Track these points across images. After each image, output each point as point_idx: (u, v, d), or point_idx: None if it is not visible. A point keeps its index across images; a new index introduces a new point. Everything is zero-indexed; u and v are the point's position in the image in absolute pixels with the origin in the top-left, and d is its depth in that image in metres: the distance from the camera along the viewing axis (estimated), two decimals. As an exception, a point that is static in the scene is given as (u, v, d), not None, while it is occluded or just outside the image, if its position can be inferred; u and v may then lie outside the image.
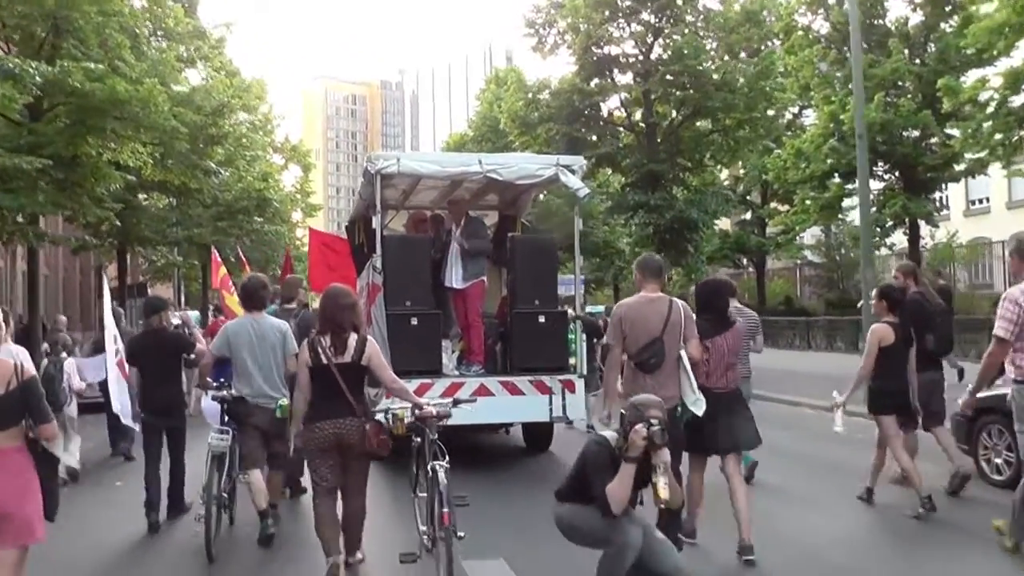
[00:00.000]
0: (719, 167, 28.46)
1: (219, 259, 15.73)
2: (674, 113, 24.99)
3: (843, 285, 31.93)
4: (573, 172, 8.70)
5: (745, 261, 35.27)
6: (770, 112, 25.75)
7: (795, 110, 30.48)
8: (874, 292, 7.05)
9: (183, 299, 39.69)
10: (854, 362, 7.97)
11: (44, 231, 17.42)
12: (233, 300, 15.24)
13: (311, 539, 6.13)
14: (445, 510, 4.60)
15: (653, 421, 4.10)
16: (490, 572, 5.33)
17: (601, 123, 26.10)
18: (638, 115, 25.57)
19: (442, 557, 4.70)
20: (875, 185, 23.59)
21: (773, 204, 33.15)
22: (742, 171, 32.80)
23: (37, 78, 13.24)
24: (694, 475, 5.66)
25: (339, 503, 5.26)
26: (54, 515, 3.95)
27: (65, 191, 16.23)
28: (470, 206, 9.83)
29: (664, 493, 4.11)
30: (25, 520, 3.75)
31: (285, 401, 6.16)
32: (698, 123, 24.79)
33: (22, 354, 5.47)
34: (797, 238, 31.73)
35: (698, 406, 5.13)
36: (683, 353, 5.21)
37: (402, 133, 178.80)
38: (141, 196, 26.15)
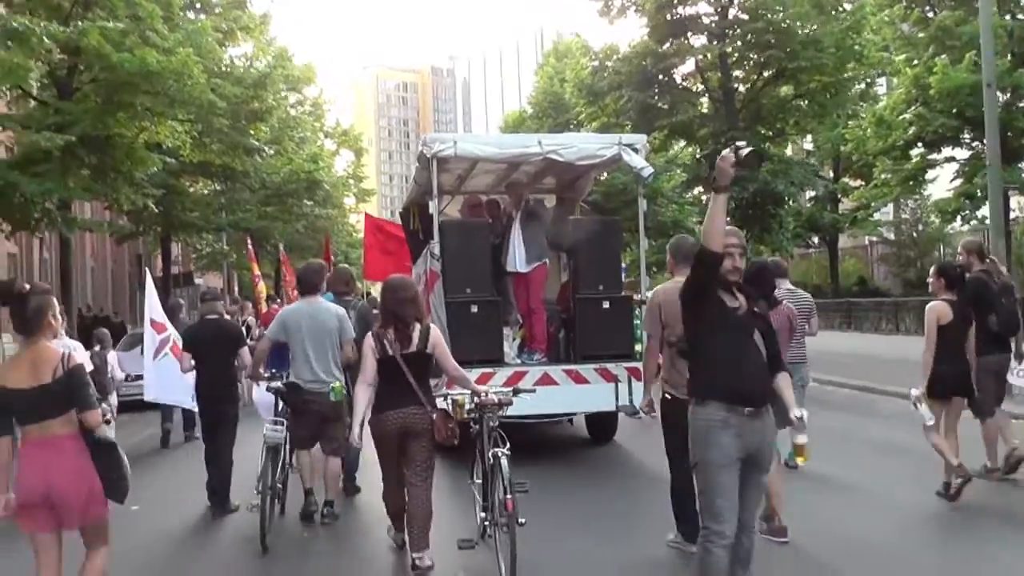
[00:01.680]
0: (801, 136, 27.71)
1: (253, 254, 16.34)
2: (754, 77, 24.29)
3: (921, 263, 31.19)
4: (636, 151, 8.75)
5: (817, 240, 34.65)
6: (860, 73, 24.68)
7: (867, 79, 29.58)
8: (932, 269, 7.03)
9: (237, 288, 40.47)
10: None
11: (74, 217, 16.95)
12: (260, 290, 15.90)
13: (363, 531, 6.54)
14: (508, 496, 4.82)
15: (740, 144, 3.99)
16: (550, 559, 5.51)
17: (676, 90, 25.33)
18: (715, 80, 24.84)
19: (504, 544, 4.95)
20: (961, 154, 22.96)
21: (845, 179, 32.44)
22: (808, 144, 32.12)
23: (45, 39, 12.64)
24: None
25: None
26: (123, 498, 4.20)
27: (99, 175, 15.80)
28: (528, 190, 9.97)
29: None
30: (81, 502, 4.03)
31: (339, 384, 6.46)
32: (780, 88, 24.02)
33: (79, 350, 5.81)
34: (876, 214, 31.06)
35: None
36: None
37: (454, 120, 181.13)
38: (184, 181, 25.96)
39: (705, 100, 25.33)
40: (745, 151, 3.86)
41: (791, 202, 24.53)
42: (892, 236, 34.21)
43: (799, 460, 4.84)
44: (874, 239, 35.20)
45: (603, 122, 25.53)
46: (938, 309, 6.62)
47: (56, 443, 4.02)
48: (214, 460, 7.14)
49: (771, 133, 24.51)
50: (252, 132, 22.46)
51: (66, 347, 4.79)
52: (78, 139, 14.04)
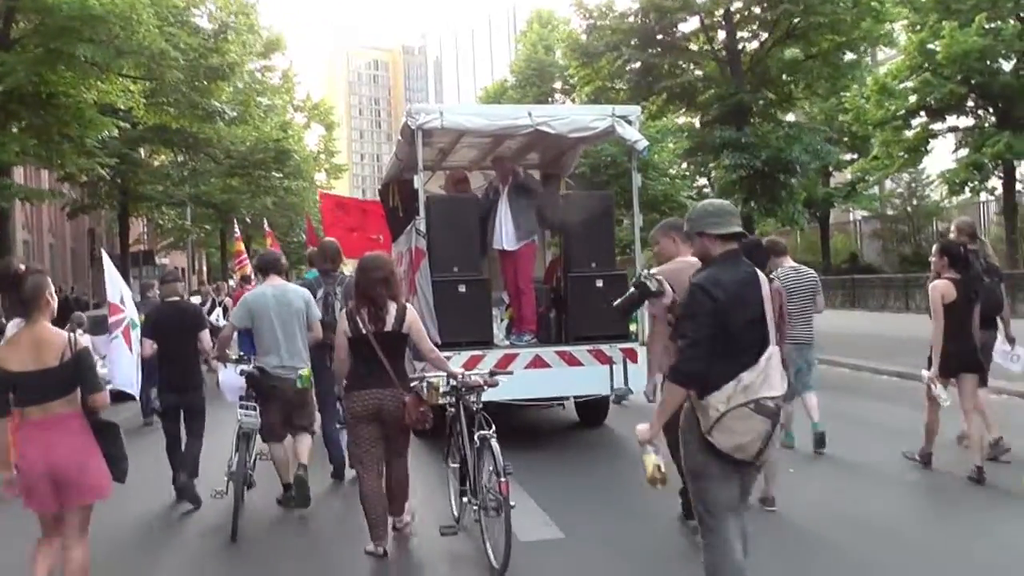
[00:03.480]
0: (811, 100, 26.81)
1: (239, 233, 16.37)
2: (762, 36, 23.75)
3: (916, 239, 31.45)
4: (630, 123, 8.84)
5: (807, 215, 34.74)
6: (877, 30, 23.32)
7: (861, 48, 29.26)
8: (934, 247, 7.31)
9: (206, 270, 40.22)
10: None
11: (8, 183, 15.79)
12: (244, 269, 15.98)
13: (339, 519, 6.66)
14: (502, 480, 4.95)
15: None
16: (543, 541, 5.70)
17: (677, 50, 24.81)
18: (720, 40, 24.34)
19: (492, 529, 5.12)
20: (965, 122, 23.15)
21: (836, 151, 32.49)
22: (799, 116, 32.04)
23: None
24: None
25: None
26: (124, 477, 4.43)
27: (39, 137, 14.97)
28: (517, 163, 10.01)
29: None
30: (86, 479, 4.24)
31: (306, 371, 6.64)
32: (787, 50, 23.48)
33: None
34: (872, 188, 31.12)
35: None
36: None
37: (426, 98, 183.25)
38: (143, 151, 25.40)
39: (711, 61, 24.71)
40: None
41: (807, 172, 24.03)
42: (888, 211, 34.40)
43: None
44: (866, 214, 35.35)
45: (597, 86, 25.20)
46: (942, 288, 6.88)
47: (58, 422, 4.20)
48: (177, 453, 7.18)
49: (775, 97, 24.12)
50: (213, 92, 21.30)
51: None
52: (11, 93, 13.34)
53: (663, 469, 3.73)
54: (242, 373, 6.76)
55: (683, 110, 26.50)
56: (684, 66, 24.63)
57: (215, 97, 21.71)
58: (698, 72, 24.61)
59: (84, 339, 4.43)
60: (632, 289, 4.81)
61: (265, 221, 22.56)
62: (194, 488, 7.06)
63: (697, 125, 26.67)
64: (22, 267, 4.30)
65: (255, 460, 7.00)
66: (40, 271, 4.41)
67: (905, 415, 9.06)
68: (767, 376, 3.63)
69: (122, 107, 16.68)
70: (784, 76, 23.88)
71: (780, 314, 6.07)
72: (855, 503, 6.41)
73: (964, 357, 6.88)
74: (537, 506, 6.36)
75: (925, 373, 7.09)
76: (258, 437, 6.76)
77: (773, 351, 3.73)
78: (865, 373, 13.11)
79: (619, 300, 4.95)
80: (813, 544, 5.57)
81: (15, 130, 14.87)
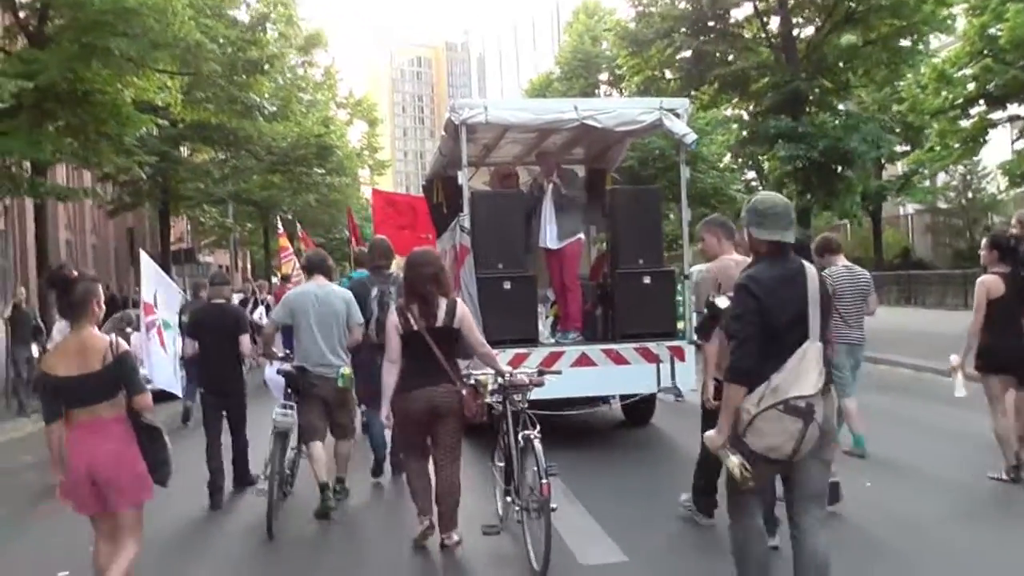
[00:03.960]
0: (870, 88, 26.02)
1: (282, 229, 16.57)
2: (819, 21, 23.14)
3: (970, 233, 30.74)
4: (678, 116, 8.76)
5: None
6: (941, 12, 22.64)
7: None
8: (983, 241, 7.12)
9: (250, 268, 40.66)
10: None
11: (41, 181, 15.80)
12: (287, 265, 16.17)
13: (374, 518, 6.75)
14: (544, 481, 4.92)
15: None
16: (592, 547, 5.64)
17: (730, 36, 24.34)
18: (774, 26, 23.84)
19: (535, 530, 5.10)
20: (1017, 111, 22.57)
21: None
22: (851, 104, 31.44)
23: None
24: None
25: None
26: (166, 481, 4.53)
27: (77, 136, 15.03)
28: (558, 159, 9.99)
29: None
30: (125, 482, 4.33)
31: (347, 370, 6.71)
32: (844, 36, 22.85)
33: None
34: (927, 180, 30.34)
35: None
36: None
37: (469, 95, 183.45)
38: (184, 149, 25.53)
39: (765, 48, 24.22)
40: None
41: (867, 163, 23.18)
42: (942, 204, 33.66)
43: None
44: (918, 207, 34.61)
45: (646, 76, 24.90)
46: (988, 283, 6.72)
47: (103, 426, 4.31)
48: (217, 455, 7.32)
49: (831, 85, 23.41)
50: (252, 87, 21.33)
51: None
52: (48, 91, 13.32)
53: (748, 467, 3.72)
54: (279, 372, 6.87)
55: (735, 100, 25.94)
56: (737, 54, 24.10)
57: (254, 92, 21.63)
58: (752, 60, 24.04)
59: (134, 337, 4.54)
60: (704, 311, 4.87)
61: (299, 224, 22.57)
62: (247, 472, 7.38)
63: (745, 116, 26.23)
64: (75, 272, 4.40)
65: (296, 459, 7.12)
66: (92, 279, 4.51)
67: (975, 419, 8.85)
68: (799, 375, 3.67)
69: (160, 104, 16.58)
70: (841, 63, 23.23)
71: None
72: (929, 511, 6.23)
73: (1007, 354, 6.67)
74: (596, 523, 6.13)
75: (954, 359, 6.91)
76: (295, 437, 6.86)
77: (809, 347, 3.73)
78: (927, 374, 12.75)
79: (695, 327, 5.23)
80: (874, 550, 5.47)
81: (52, 129, 14.86)
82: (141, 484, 4.39)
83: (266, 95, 23.24)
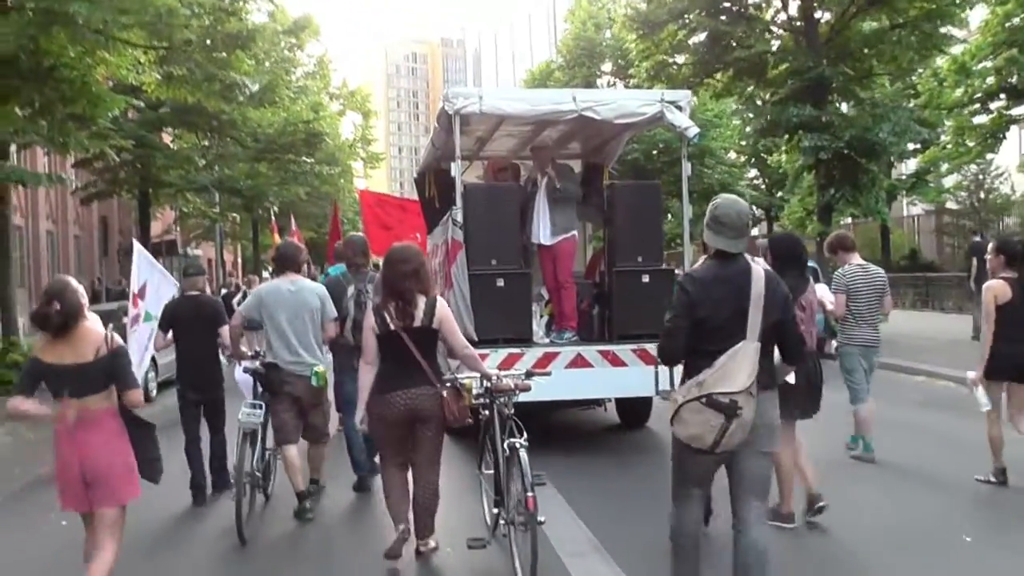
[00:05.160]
0: (896, 75, 25.16)
1: (275, 223, 16.57)
2: (843, 3, 21.97)
3: (983, 234, 30.61)
4: (680, 108, 8.70)
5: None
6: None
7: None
8: (990, 246, 7.22)
9: (240, 262, 40.41)
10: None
11: (2, 164, 15.35)
12: None
13: (351, 521, 6.72)
14: (529, 494, 4.81)
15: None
16: (584, 559, 5.58)
17: (748, 18, 23.58)
18: (795, 8, 23.04)
19: (521, 544, 5.01)
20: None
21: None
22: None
23: None
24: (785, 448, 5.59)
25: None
26: (158, 478, 4.62)
27: (45, 116, 14.57)
28: (554, 153, 9.90)
29: None
30: (114, 480, 4.39)
31: (322, 368, 6.67)
32: (867, 21, 22.12)
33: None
34: (943, 179, 29.99)
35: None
36: None
37: None
38: (164, 135, 25.04)
39: (785, 32, 23.65)
40: None
41: (895, 156, 22.70)
42: (954, 205, 33.53)
43: None
44: (928, 208, 34.47)
45: (657, 60, 24.33)
46: (995, 288, 6.80)
47: (94, 420, 4.36)
48: (196, 453, 7.32)
49: (853, 72, 22.65)
50: (232, 63, 19.96)
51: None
52: (9, 65, 12.93)
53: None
54: (246, 370, 6.85)
55: (751, 87, 25.11)
56: (755, 37, 23.25)
57: (234, 69, 20.29)
58: (769, 44, 23.40)
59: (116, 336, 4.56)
60: None
61: (292, 218, 22.43)
62: (225, 472, 7.29)
63: (758, 103, 25.78)
64: (57, 306, 4.31)
65: (271, 461, 7.09)
66: (65, 284, 4.46)
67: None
68: (726, 373, 3.95)
69: (134, 83, 16.08)
70: (865, 49, 22.53)
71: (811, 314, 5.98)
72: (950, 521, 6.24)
73: (1018, 360, 6.73)
74: (588, 531, 6.06)
75: (970, 374, 6.97)
76: (265, 436, 6.82)
77: (743, 346, 3.97)
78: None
79: None
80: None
81: (16, 107, 14.30)
82: (129, 479, 4.45)
83: (247, 73, 22.73)
